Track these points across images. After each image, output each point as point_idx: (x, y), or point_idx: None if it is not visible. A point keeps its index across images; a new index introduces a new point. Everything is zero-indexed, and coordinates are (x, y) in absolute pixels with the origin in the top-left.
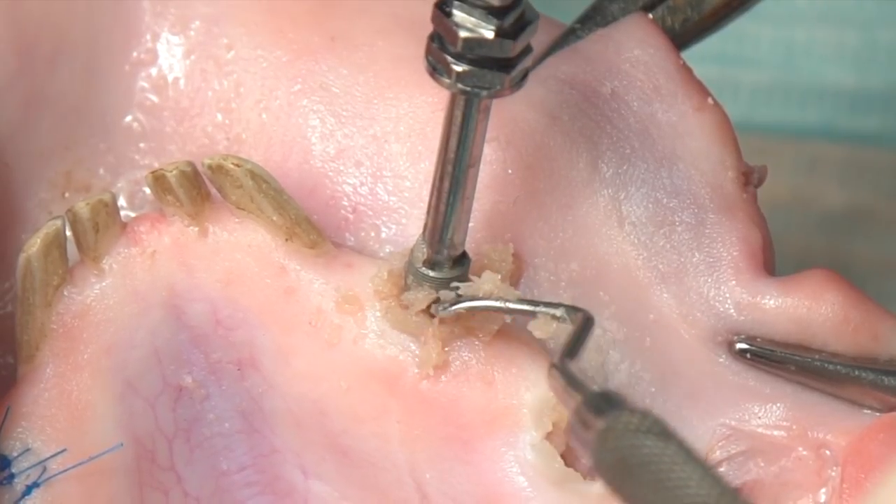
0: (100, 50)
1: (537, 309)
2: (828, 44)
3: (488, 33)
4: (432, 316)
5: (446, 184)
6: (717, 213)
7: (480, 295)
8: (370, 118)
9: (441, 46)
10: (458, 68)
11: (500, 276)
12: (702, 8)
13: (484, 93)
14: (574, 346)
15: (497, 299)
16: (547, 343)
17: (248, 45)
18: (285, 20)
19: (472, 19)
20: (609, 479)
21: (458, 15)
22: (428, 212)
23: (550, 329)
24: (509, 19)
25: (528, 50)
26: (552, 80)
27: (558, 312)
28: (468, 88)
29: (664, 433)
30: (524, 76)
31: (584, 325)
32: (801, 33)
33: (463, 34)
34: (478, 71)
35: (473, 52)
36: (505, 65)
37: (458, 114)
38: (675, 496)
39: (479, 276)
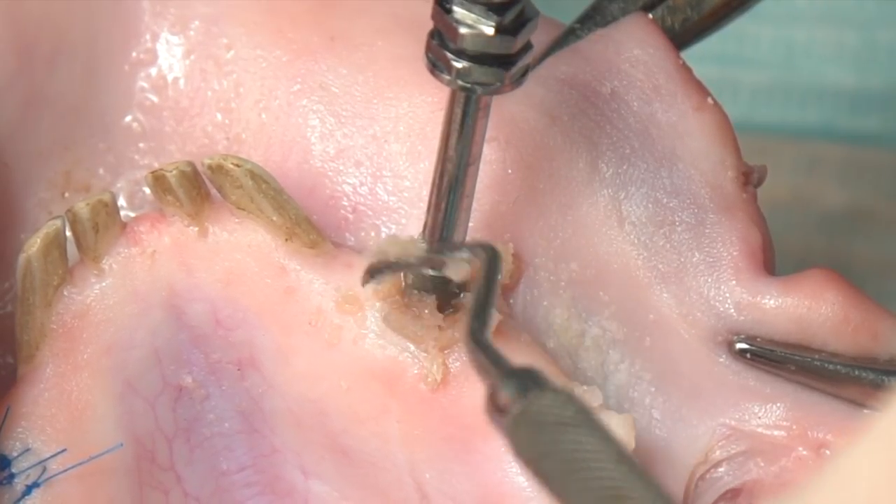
0: (99, 50)
1: (445, 256)
2: (828, 44)
3: (488, 30)
4: (440, 328)
5: (446, 182)
6: (716, 213)
7: (392, 259)
8: (370, 118)
9: (441, 43)
10: (459, 65)
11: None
12: (702, 8)
13: (484, 89)
14: (485, 294)
15: (405, 260)
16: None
17: (247, 44)
18: (285, 20)
19: (473, 16)
20: (525, 463)
21: (459, 11)
22: (428, 210)
23: (464, 270)
24: (509, 16)
25: (528, 47)
26: (552, 80)
27: (465, 255)
28: (468, 85)
29: (579, 415)
30: (524, 73)
31: (490, 262)
32: (801, 33)
33: (463, 30)
34: (478, 68)
35: (474, 48)
36: (505, 61)
37: (458, 111)
38: (588, 482)
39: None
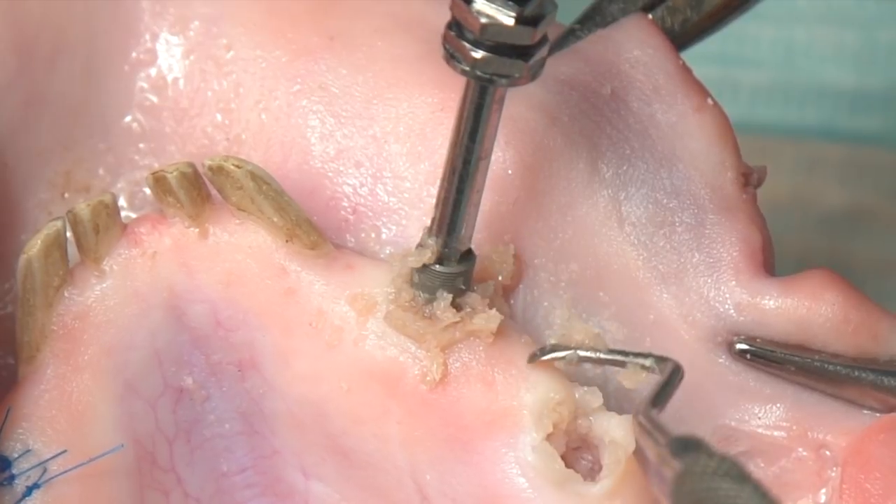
0: (99, 50)
1: (627, 359)
2: (828, 44)
3: (508, 20)
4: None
5: (458, 175)
6: (716, 214)
7: (573, 345)
8: (369, 118)
9: (459, 34)
10: (477, 55)
11: (500, 277)
12: (701, 8)
13: (503, 81)
14: (662, 395)
15: (588, 349)
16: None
17: (247, 45)
18: (284, 20)
19: (493, 6)
20: None
21: (479, 2)
22: (437, 205)
23: (640, 378)
24: (530, 7)
25: (545, 39)
26: (552, 80)
27: (647, 363)
28: (486, 75)
29: (740, 476)
30: (542, 65)
31: (672, 375)
32: (801, 33)
33: (483, 20)
34: (496, 59)
35: (493, 39)
36: (523, 52)
37: (473, 103)
38: None
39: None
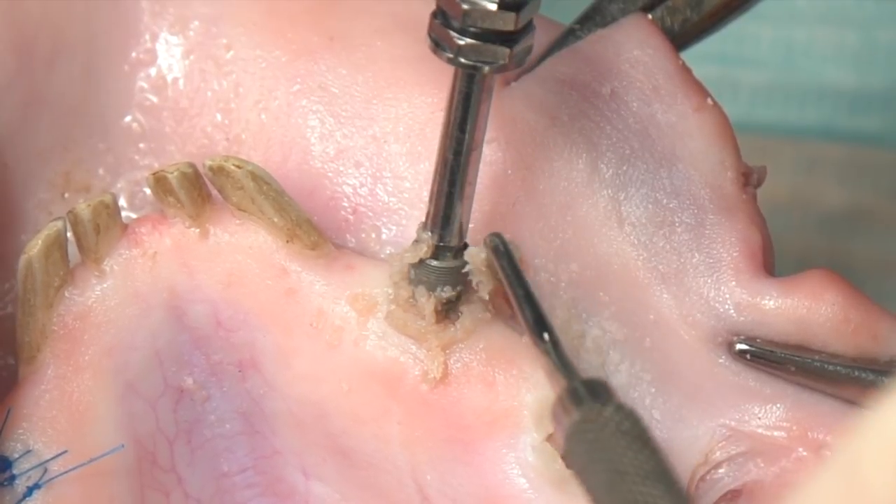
0: (99, 50)
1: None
2: (828, 44)
3: (491, 5)
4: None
5: (449, 168)
6: (716, 214)
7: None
8: (369, 118)
9: (444, 22)
10: (462, 42)
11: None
12: (701, 8)
13: (486, 67)
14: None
15: None
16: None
17: (247, 45)
18: (284, 20)
19: None
20: (576, 470)
21: None
22: (431, 199)
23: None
24: None
25: (530, 27)
26: (552, 80)
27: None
28: (471, 62)
29: (640, 436)
30: (527, 53)
31: (498, 256)
32: (801, 33)
33: (465, 6)
34: (481, 45)
35: (476, 25)
36: (508, 39)
37: (461, 93)
38: (626, 494)
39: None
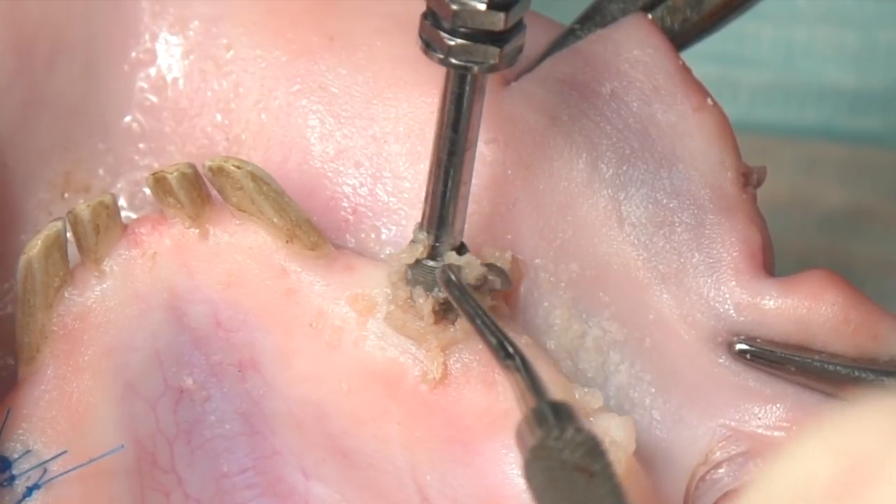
0: (98, 50)
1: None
2: (828, 44)
3: (480, 5)
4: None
5: (443, 168)
6: (716, 214)
7: None
8: (369, 118)
9: (434, 23)
10: (452, 42)
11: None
12: (701, 8)
13: (477, 67)
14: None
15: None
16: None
17: (247, 45)
18: (284, 20)
19: None
20: (533, 492)
21: None
22: (426, 199)
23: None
24: None
25: (521, 26)
26: (551, 80)
27: None
28: (461, 63)
29: (595, 460)
30: (518, 52)
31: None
32: (801, 33)
33: (454, 7)
34: (471, 45)
35: (466, 25)
36: (497, 38)
37: (453, 93)
38: None
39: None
